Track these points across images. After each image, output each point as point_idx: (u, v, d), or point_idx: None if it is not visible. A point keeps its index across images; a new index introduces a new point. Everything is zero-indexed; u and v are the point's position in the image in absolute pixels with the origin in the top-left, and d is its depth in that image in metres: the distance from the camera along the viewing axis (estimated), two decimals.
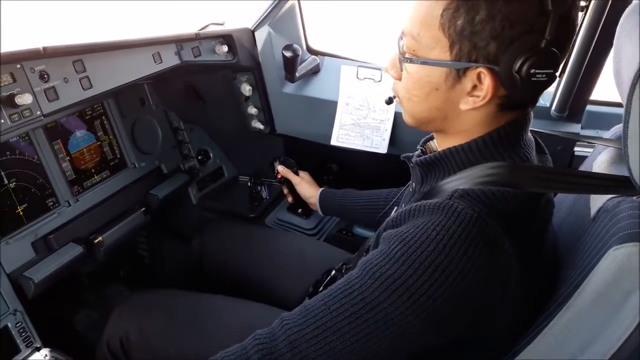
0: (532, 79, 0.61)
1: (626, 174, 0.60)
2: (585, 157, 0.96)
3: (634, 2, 0.66)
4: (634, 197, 0.64)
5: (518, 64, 0.61)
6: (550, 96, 1.38)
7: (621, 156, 0.77)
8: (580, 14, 1.20)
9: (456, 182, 0.70)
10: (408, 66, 0.70)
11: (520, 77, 0.61)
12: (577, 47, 1.24)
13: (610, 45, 0.71)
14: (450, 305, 0.60)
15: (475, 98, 0.66)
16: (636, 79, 0.49)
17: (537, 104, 1.45)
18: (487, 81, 0.64)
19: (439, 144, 0.81)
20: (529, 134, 0.75)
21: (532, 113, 0.74)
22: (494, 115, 0.69)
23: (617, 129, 0.87)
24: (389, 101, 0.97)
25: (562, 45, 0.63)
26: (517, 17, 0.60)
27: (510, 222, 0.63)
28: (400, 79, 0.74)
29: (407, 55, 0.69)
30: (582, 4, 0.69)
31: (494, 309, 0.65)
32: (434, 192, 0.72)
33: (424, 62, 0.67)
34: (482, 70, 0.63)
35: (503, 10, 0.59)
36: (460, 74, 0.65)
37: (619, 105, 1.37)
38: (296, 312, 0.68)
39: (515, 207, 0.64)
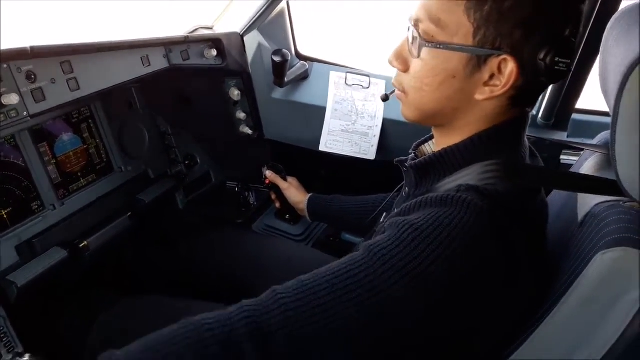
0: (555, 67, 0.62)
1: (613, 178, 0.61)
2: (571, 165, 0.97)
3: (621, 9, 0.67)
4: (621, 202, 0.65)
5: (544, 52, 0.61)
6: (537, 104, 1.40)
7: (607, 162, 0.78)
8: None
9: (455, 183, 0.69)
10: (424, 52, 0.67)
11: (545, 65, 0.62)
12: None
13: (596, 54, 0.73)
14: (460, 294, 0.59)
15: (493, 87, 0.66)
16: (624, 83, 0.50)
17: None
18: (510, 69, 0.63)
19: (437, 142, 0.80)
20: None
21: (530, 114, 0.74)
22: (504, 108, 0.69)
23: (603, 135, 0.88)
24: (385, 98, 0.96)
25: (576, 36, 0.64)
26: (546, 5, 0.60)
27: (515, 217, 0.62)
28: (406, 71, 0.73)
29: (427, 40, 0.67)
30: None
31: (500, 303, 0.64)
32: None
33: (448, 47, 0.65)
34: (506, 57, 0.63)
35: None
36: (481, 61, 0.65)
37: (604, 114, 1.40)
38: (292, 288, 0.62)
39: (517, 203, 0.64)
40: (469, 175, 0.68)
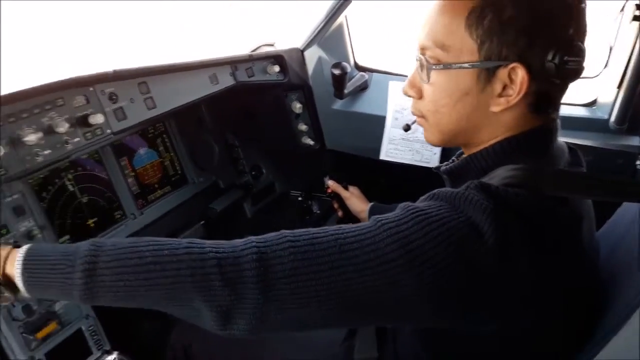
0: (566, 66, 0.63)
1: None
2: None
3: None
4: None
5: (551, 54, 0.63)
6: (609, 108, 1.34)
7: None
8: (637, 23, 1.18)
9: None
10: (435, 76, 0.70)
11: (555, 66, 0.63)
12: (636, 55, 1.21)
13: None
14: (450, 286, 0.59)
15: (508, 97, 0.67)
16: None
17: (595, 116, 1.40)
18: (521, 76, 0.64)
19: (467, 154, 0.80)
20: (560, 142, 0.74)
21: (558, 122, 0.73)
22: (525, 116, 0.69)
23: None
24: (407, 127, 0.98)
25: (582, 36, 0.66)
26: (543, 10, 0.62)
27: (525, 223, 0.60)
28: (421, 98, 0.75)
29: (434, 63, 0.70)
30: (637, 13, 0.69)
31: (501, 304, 0.62)
32: None
33: (455, 66, 0.67)
34: (515, 65, 0.64)
35: (528, 4, 0.62)
36: (490, 73, 0.66)
37: None
38: (302, 238, 0.64)
39: (531, 210, 0.62)
40: (493, 179, 0.67)
